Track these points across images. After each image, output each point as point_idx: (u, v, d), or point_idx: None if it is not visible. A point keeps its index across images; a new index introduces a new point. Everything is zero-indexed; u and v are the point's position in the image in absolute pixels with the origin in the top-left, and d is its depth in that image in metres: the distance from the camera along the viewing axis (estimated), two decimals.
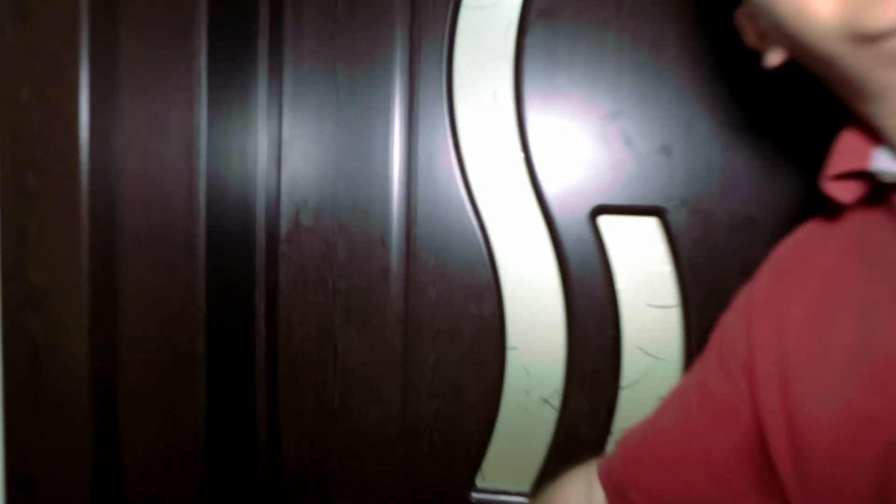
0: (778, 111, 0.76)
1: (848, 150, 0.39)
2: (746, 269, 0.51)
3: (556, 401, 0.84)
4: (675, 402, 0.54)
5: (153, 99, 0.60)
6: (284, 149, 0.83)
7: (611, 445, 0.83)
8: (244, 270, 0.75)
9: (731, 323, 0.51)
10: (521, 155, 0.82)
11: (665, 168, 0.79)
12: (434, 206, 0.82)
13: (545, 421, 0.85)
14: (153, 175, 0.60)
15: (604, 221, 0.82)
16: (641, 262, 0.83)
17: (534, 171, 0.81)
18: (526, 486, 0.86)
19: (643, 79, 0.78)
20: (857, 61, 0.32)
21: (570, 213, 0.81)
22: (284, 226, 0.83)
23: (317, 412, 0.86)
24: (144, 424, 0.63)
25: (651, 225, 0.82)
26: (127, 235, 0.60)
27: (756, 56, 0.43)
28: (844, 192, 0.40)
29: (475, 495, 0.86)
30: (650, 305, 0.83)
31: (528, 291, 0.84)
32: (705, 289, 0.80)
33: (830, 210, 0.45)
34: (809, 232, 0.48)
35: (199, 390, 0.62)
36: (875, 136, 0.38)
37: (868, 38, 0.30)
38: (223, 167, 0.67)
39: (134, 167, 0.60)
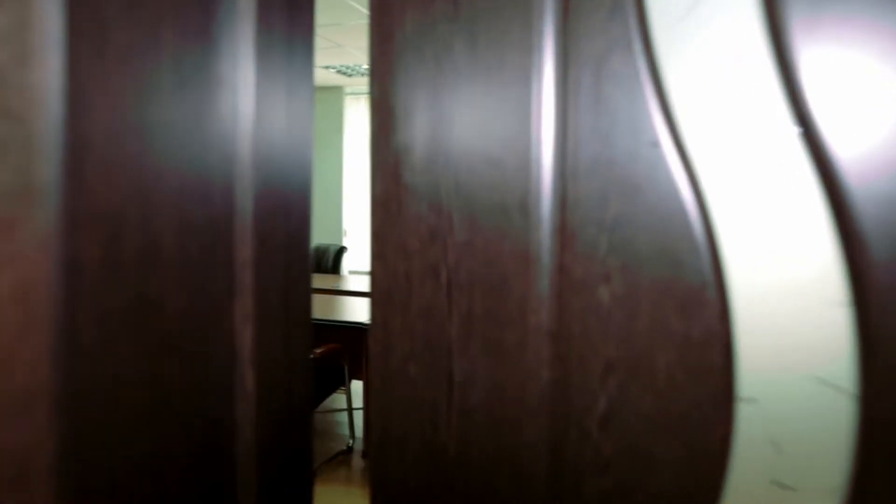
0: None
1: None
2: None
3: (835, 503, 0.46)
4: None
5: None
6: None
7: None
8: (211, 266, 0.46)
9: None
10: (769, 48, 0.45)
11: None
12: (606, 149, 0.49)
13: None
14: None
15: None
16: None
17: (794, 79, 0.44)
18: None
19: None
20: None
21: (869, 163, 0.42)
22: (378, 185, 0.56)
23: (422, 461, 0.58)
24: None
25: None
26: None
27: None
28: None
29: None
30: None
31: (781, 300, 0.46)
32: None
33: None
34: None
35: None
36: None
37: None
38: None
39: None
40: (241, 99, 0.48)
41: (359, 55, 5.27)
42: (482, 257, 0.53)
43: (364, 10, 4.02)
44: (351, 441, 3.38)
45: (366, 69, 5.79)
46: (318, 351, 2.91)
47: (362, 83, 6.47)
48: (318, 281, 4.43)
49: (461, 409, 0.55)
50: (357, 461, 3.27)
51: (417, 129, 0.54)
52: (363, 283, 4.43)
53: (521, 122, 0.51)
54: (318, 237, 5.78)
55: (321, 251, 5.07)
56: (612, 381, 0.50)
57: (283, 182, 0.53)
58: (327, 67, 5.77)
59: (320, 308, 3.48)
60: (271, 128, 0.51)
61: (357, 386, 3.34)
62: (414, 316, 0.56)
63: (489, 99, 0.51)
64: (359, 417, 3.37)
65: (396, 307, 0.57)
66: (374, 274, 0.57)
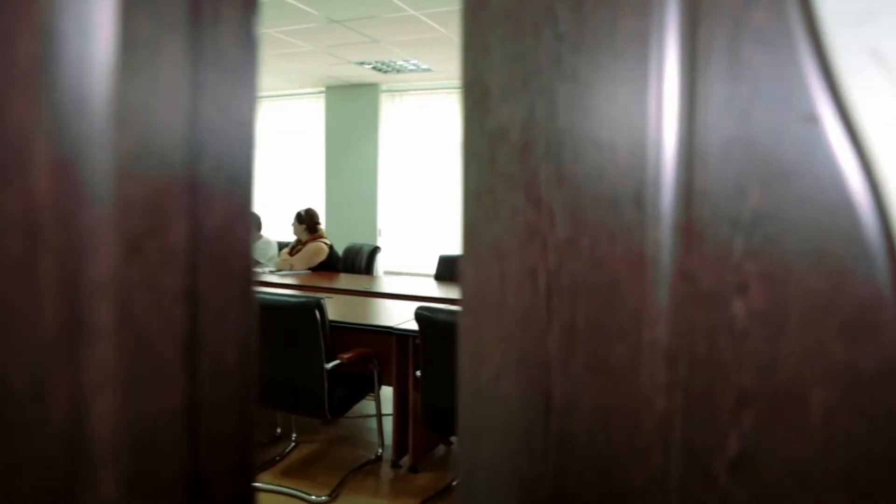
0: None
1: None
2: None
3: None
4: None
5: None
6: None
7: None
8: (27, 292, 0.30)
9: None
10: None
11: None
12: (745, 127, 0.39)
13: None
14: None
15: None
16: None
17: None
18: None
19: None
20: None
21: None
22: (471, 175, 0.49)
23: (515, 493, 0.50)
24: None
25: None
26: None
27: None
28: None
29: None
30: None
31: None
32: None
33: None
34: None
35: None
36: None
37: None
38: None
39: None
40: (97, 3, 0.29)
41: (395, 51, 5.08)
42: (588, 259, 0.45)
43: (400, 3, 3.79)
44: (380, 450, 3.26)
45: (401, 65, 5.64)
46: (347, 356, 2.84)
47: (398, 80, 6.31)
48: (350, 282, 4.38)
49: (560, 435, 0.48)
50: (386, 470, 3.11)
51: (514, 110, 0.47)
52: (397, 285, 4.31)
53: (636, 96, 0.42)
54: (352, 237, 5.75)
55: (354, 251, 5.02)
56: (746, 417, 0.40)
57: (185, 154, 0.32)
58: (362, 63, 5.67)
59: (349, 311, 3.38)
60: (158, 58, 0.31)
61: (387, 392, 3.20)
62: (508, 325, 0.49)
63: (598, 70, 0.43)
64: (388, 424, 3.22)
65: (490, 314, 0.50)
66: (464, 276, 0.51)
